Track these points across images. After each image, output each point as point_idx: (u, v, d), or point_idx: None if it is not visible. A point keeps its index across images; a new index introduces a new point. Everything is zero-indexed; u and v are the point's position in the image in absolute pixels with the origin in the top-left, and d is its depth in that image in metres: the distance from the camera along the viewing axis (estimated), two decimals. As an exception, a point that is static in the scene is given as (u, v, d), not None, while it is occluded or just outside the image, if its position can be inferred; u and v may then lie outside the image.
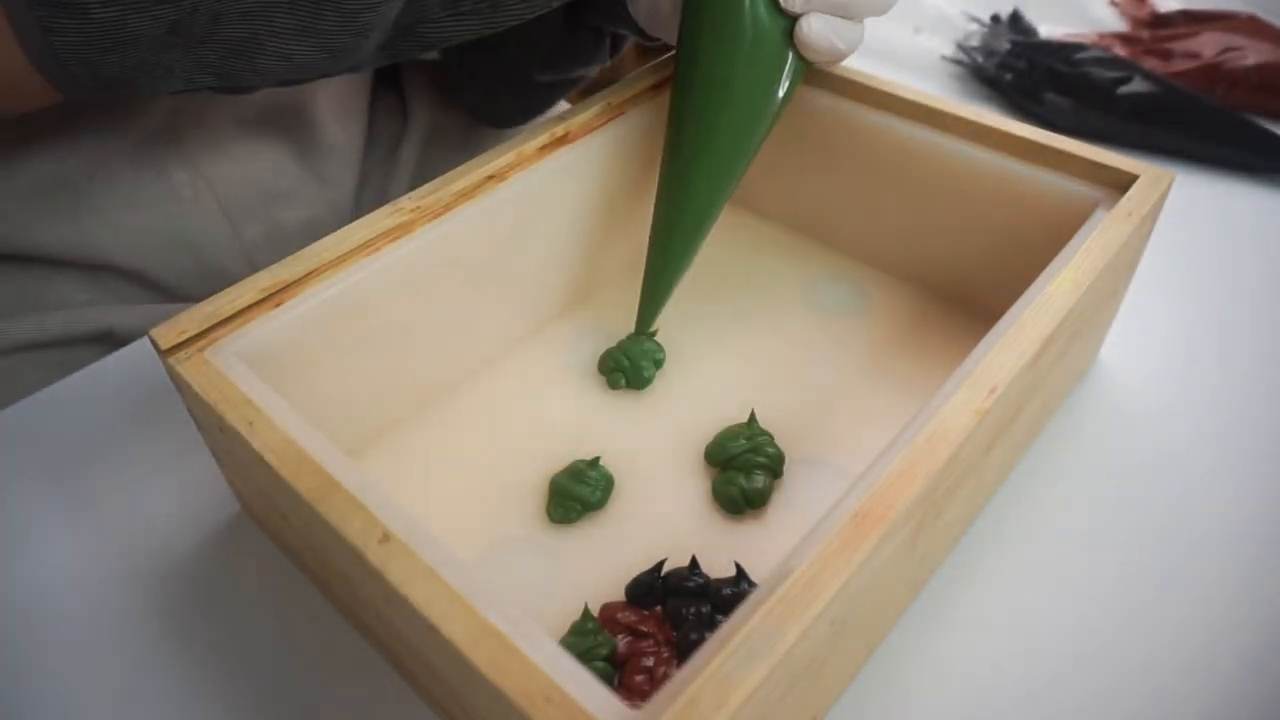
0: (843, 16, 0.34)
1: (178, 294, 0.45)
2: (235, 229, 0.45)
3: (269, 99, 0.45)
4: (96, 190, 0.41)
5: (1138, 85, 0.53)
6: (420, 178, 0.51)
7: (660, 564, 0.31)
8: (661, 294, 0.37)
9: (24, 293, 0.42)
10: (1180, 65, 0.57)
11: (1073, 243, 0.31)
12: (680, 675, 0.20)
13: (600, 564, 0.32)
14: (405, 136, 0.52)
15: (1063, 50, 0.57)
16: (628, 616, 0.29)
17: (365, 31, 0.31)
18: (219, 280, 0.42)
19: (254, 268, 0.42)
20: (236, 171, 0.44)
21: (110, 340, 0.42)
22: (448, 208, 0.34)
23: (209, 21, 0.28)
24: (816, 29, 0.33)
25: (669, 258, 0.37)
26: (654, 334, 0.39)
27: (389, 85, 0.53)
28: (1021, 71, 0.57)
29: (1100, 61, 0.55)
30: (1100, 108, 0.53)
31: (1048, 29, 0.62)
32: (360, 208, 0.49)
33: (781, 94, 0.35)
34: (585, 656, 0.28)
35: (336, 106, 0.48)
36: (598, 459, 0.34)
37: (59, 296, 0.42)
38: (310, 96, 0.47)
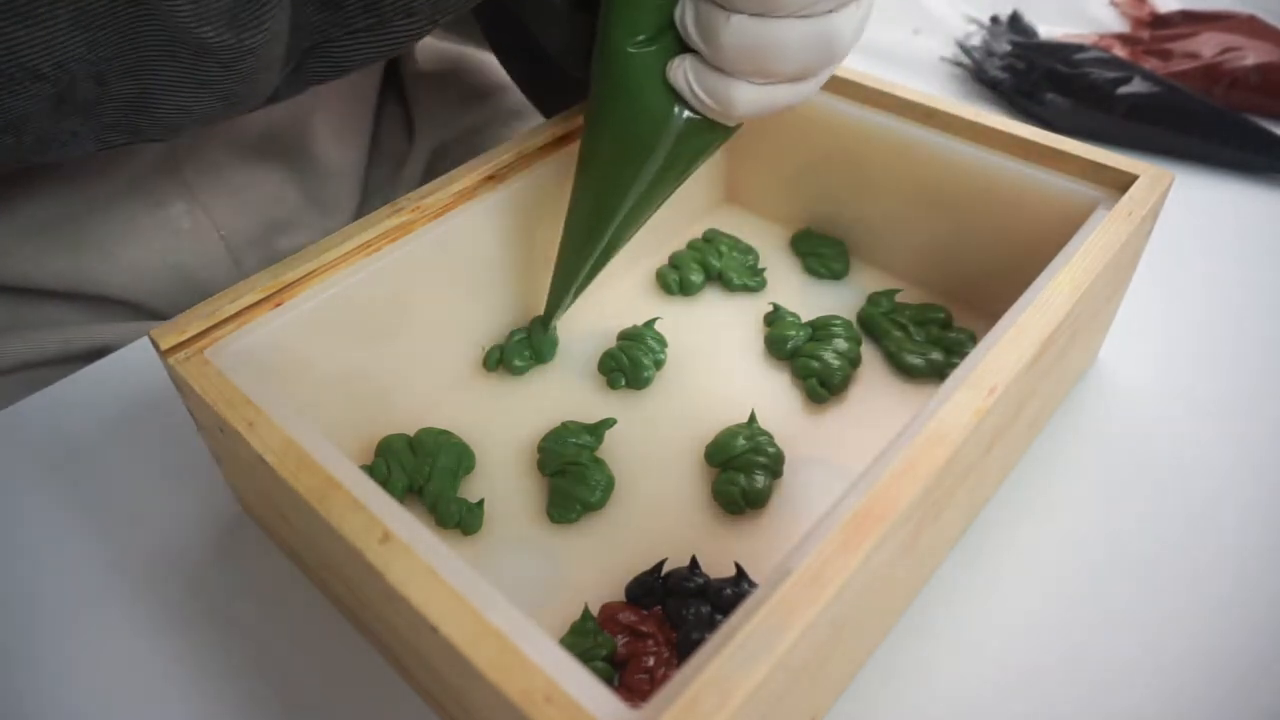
0: (710, 66, 0.29)
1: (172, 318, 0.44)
2: (235, 259, 0.44)
3: (267, 125, 0.44)
4: (94, 223, 0.41)
5: (1137, 85, 0.53)
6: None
7: (660, 564, 0.31)
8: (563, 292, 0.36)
9: (18, 316, 0.41)
10: (1180, 65, 0.57)
11: (1073, 243, 0.31)
12: (680, 675, 0.20)
13: (600, 564, 0.32)
14: (410, 153, 0.51)
15: (1062, 51, 0.57)
16: (628, 617, 0.29)
17: (251, 76, 0.29)
18: None
19: None
20: (235, 201, 0.44)
21: (105, 356, 0.42)
22: (448, 208, 0.34)
23: (94, 84, 0.27)
24: (676, 72, 0.29)
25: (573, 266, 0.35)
26: (654, 323, 0.40)
27: (394, 99, 0.53)
28: (1021, 72, 0.57)
29: (1100, 62, 0.55)
30: (1100, 108, 0.53)
31: (1047, 29, 0.62)
32: None
33: (664, 156, 0.31)
34: (585, 656, 0.28)
35: (338, 126, 0.48)
36: (603, 427, 0.35)
37: (55, 320, 0.42)
38: (309, 119, 0.46)
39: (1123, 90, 0.53)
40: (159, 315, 0.44)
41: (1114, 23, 0.65)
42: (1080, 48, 0.57)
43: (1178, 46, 0.59)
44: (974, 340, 0.38)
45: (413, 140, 0.51)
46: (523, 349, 0.39)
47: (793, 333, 0.39)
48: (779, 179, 0.45)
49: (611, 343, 0.40)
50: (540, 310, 0.40)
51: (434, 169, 0.52)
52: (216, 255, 0.44)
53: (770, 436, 0.35)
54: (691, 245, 0.44)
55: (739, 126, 0.32)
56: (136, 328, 0.42)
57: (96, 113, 0.28)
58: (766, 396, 0.37)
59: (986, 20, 0.63)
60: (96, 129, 0.29)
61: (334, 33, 0.30)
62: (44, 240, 0.40)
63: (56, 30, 0.25)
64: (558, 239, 0.39)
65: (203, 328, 0.29)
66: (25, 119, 0.27)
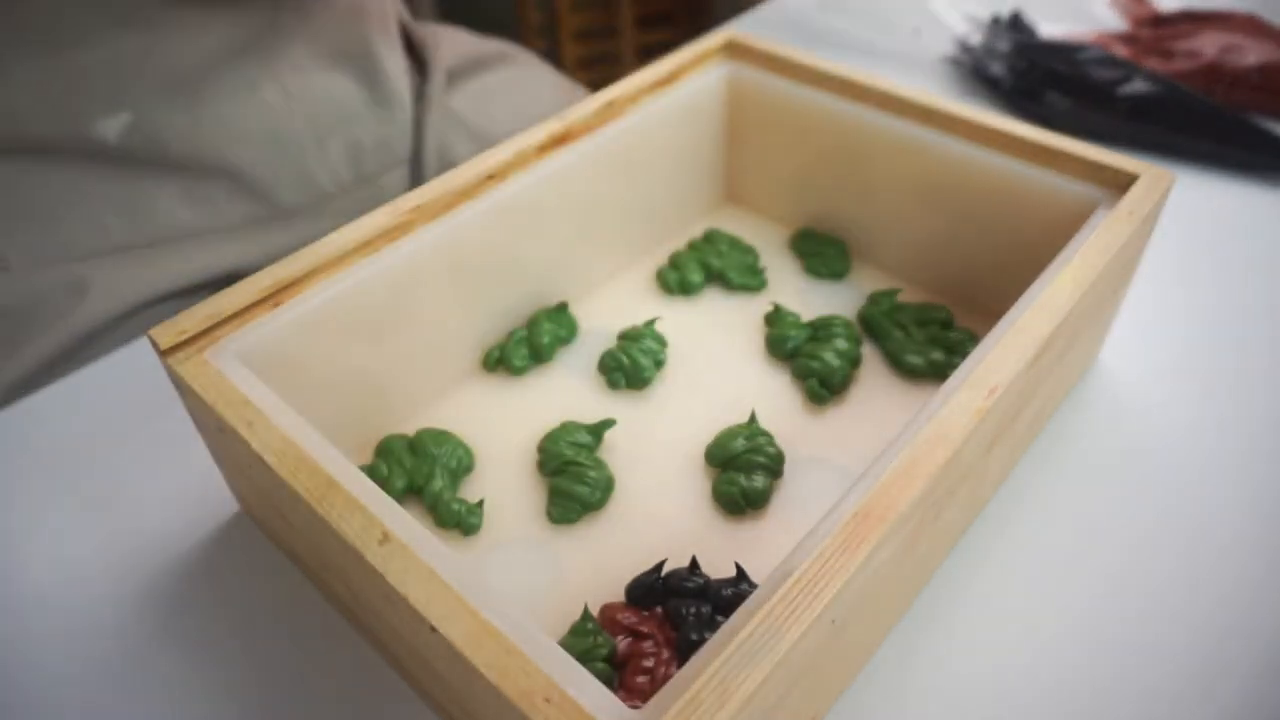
0: None
1: (272, 199, 0.49)
2: (320, 142, 0.50)
3: (338, 39, 0.51)
4: (207, 91, 0.46)
5: (1138, 85, 0.53)
6: (445, 109, 0.57)
7: (660, 564, 0.31)
8: None
9: (133, 210, 0.45)
10: (1181, 64, 0.57)
11: (1073, 243, 0.31)
12: (680, 676, 0.20)
13: (600, 564, 0.32)
14: (429, 79, 0.57)
15: (1063, 50, 0.57)
16: (628, 617, 0.29)
17: None
18: (309, 186, 0.50)
19: (336, 179, 0.51)
20: (317, 92, 0.50)
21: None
22: (447, 208, 0.34)
23: None
24: None
25: None
26: (654, 323, 0.40)
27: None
28: (1022, 71, 0.57)
29: (1101, 61, 0.55)
30: (1101, 107, 0.53)
31: (1048, 28, 0.62)
32: (414, 135, 0.56)
33: None
34: (585, 657, 0.28)
35: (389, 43, 0.54)
36: (603, 427, 0.35)
37: (164, 214, 0.46)
38: (369, 36, 0.53)
39: (1123, 90, 0.53)
40: (258, 188, 0.49)
41: (1114, 22, 0.65)
42: (1081, 47, 0.57)
43: (1179, 45, 0.59)
44: (974, 340, 0.38)
45: (426, 74, 0.58)
46: (522, 349, 0.39)
47: (793, 333, 0.39)
48: (779, 179, 0.45)
49: (611, 343, 0.40)
50: (541, 307, 0.40)
51: (448, 93, 0.58)
52: (305, 134, 0.50)
53: (770, 436, 0.35)
54: (691, 245, 0.44)
55: None
56: (257, 243, 0.48)
57: None
58: (766, 396, 0.37)
59: (987, 20, 0.63)
60: None
61: None
62: (170, 97, 0.45)
63: None
64: (557, 239, 0.39)
65: (202, 328, 0.29)
66: None
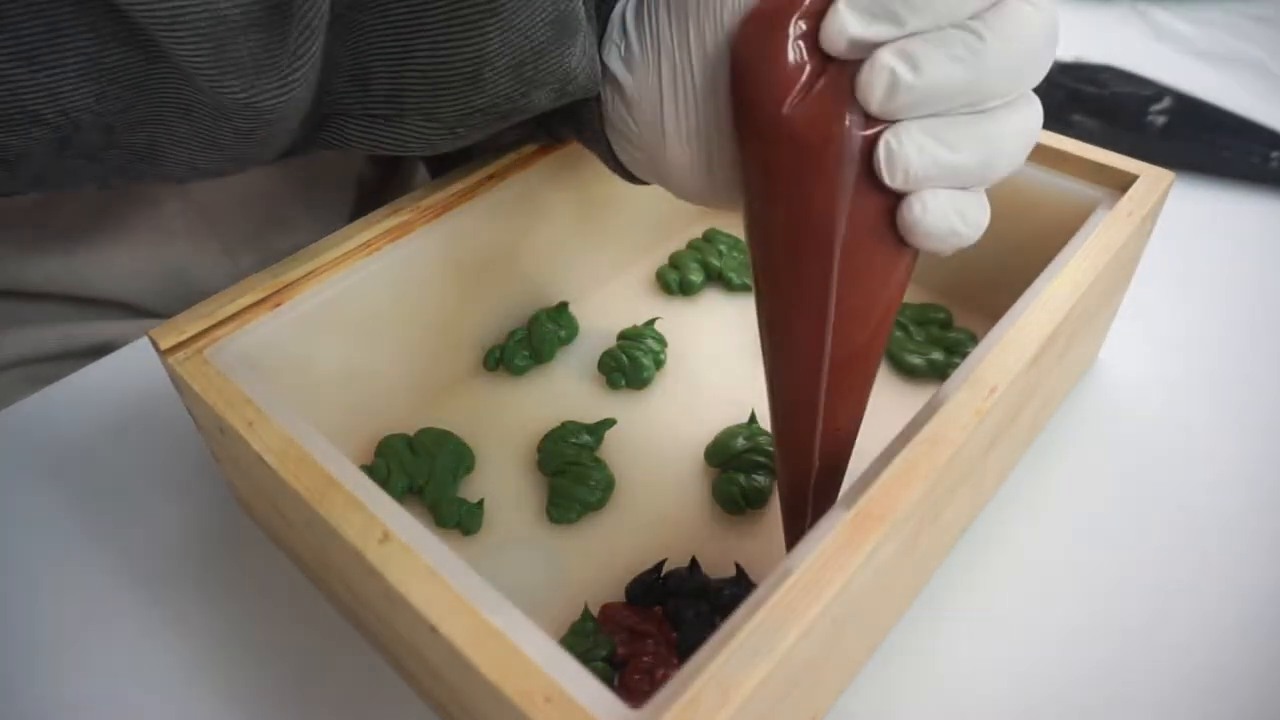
0: (963, 187, 0.25)
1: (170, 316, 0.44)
2: (231, 258, 0.44)
3: None
4: (85, 224, 0.40)
5: (1170, 103, 0.52)
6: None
7: (660, 564, 0.31)
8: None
9: (15, 314, 0.41)
10: None
11: (1073, 243, 0.31)
12: (680, 675, 0.20)
13: (600, 564, 0.32)
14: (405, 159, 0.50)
15: (1085, 71, 0.55)
16: (628, 617, 0.29)
17: (266, 142, 0.27)
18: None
19: None
20: (232, 200, 0.43)
21: (108, 352, 0.41)
22: (447, 208, 0.34)
23: (101, 134, 0.26)
24: (935, 209, 0.24)
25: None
26: (654, 323, 0.40)
27: None
28: (1041, 95, 0.55)
29: (1128, 80, 0.54)
30: (1132, 127, 0.52)
31: (1062, 49, 0.60)
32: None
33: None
34: (585, 656, 0.28)
35: None
36: (603, 427, 0.34)
37: (54, 317, 0.42)
38: None
39: (1155, 108, 0.52)
40: (156, 315, 0.43)
41: (1122, 40, 0.64)
42: (1102, 67, 0.56)
43: None
44: (974, 340, 0.38)
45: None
46: (523, 349, 0.39)
47: None
48: (779, 179, 0.45)
49: (611, 343, 0.40)
50: (541, 307, 0.40)
51: (435, 174, 0.50)
52: (211, 253, 0.43)
53: (770, 436, 0.35)
54: (691, 245, 0.44)
55: None
56: (137, 325, 0.42)
57: (100, 159, 0.27)
58: (766, 396, 0.37)
59: None
60: (99, 172, 0.28)
61: (353, 109, 0.28)
62: (34, 240, 0.39)
63: (64, 78, 0.23)
64: (556, 239, 0.39)
65: (202, 328, 0.29)
66: (23, 157, 0.26)
